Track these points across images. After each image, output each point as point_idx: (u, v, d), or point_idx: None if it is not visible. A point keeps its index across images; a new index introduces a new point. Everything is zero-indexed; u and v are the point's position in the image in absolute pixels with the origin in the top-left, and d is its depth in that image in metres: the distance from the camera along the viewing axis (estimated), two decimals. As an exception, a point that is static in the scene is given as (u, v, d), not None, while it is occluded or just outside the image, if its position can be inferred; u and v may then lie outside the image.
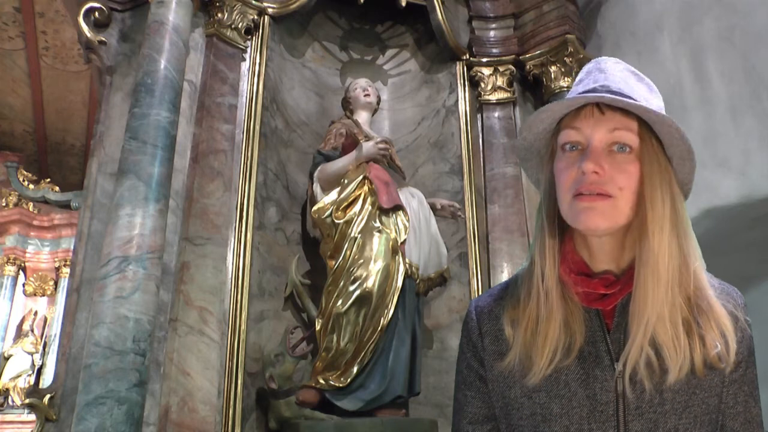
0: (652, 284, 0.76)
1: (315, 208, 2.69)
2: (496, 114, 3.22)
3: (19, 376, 7.67)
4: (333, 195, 2.70)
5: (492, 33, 3.36)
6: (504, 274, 2.84)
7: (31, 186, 8.23)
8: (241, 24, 2.81)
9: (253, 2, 2.87)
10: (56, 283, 8.22)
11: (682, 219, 0.79)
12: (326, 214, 2.66)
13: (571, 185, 0.79)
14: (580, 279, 0.82)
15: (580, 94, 0.82)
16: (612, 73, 0.83)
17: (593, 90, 0.81)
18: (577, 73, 0.93)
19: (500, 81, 3.24)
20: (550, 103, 0.83)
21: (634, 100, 0.79)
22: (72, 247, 5.75)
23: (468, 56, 3.32)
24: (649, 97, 0.82)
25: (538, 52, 3.16)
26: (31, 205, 8.18)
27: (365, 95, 3.07)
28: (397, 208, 2.73)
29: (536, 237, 0.87)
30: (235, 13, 2.78)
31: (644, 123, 0.78)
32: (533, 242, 0.88)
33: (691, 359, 0.77)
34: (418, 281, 2.70)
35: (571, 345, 0.81)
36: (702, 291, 0.80)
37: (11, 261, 7.99)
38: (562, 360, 0.80)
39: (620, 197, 0.77)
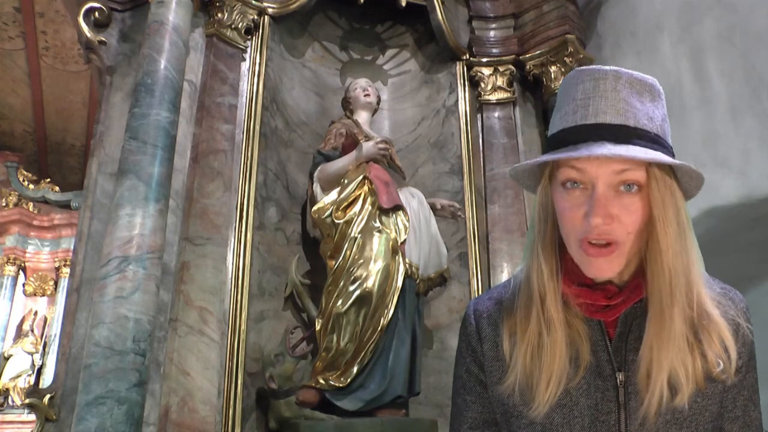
0: (668, 329, 0.75)
1: (315, 208, 2.69)
2: (496, 114, 3.21)
3: (19, 376, 7.67)
4: (333, 195, 2.70)
5: (492, 33, 3.36)
6: (504, 274, 2.84)
7: (31, 186, 8.23)
8: (241, 24, 2.81)
9: (253, 2, 2.87)
10: (56, 283, 8.22)
11: (687, 236, 0.77)
12: (326, 214, 2.66)
13: (578, 230, 0.76)
14: (582, 290, 0.80)
15: (580, 125, 0.76)
16: (615, 97, 0.75)
17: (594, 128, 0.75)
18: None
19: (500, 81, 3.24)
20: (548, 151, 0.79)
21: (640, 129, 0.74)
22: (72, 247, 5.75)
23: (468, 56, 3.32)
24: (653, 110, 0.77)
25: (538, 52, 3.16)
26: (31, 205, 8.18)
27: (365, 95, 3.07)
28: (397, 208, 2.73)
29: (532, 259, 0.83)
30: (235, 13, 2.78)
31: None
32: (527, 257, 0.85)
33: (695, 377, 0.77)
34: (418, 281, 2.70)
35: (578, 365, 0.80)
36: (703, 307, 0.78)
37: (11, 261, 7.99)
38: (567, 385, 0.79)
39: (627, 241, 0.75)
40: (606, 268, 0.76)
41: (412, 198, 2.89)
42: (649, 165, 0.74)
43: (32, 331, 8.00)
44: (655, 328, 0.76)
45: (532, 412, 0.80)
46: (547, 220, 0.82)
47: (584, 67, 0.81)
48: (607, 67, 0.78)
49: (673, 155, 0.77)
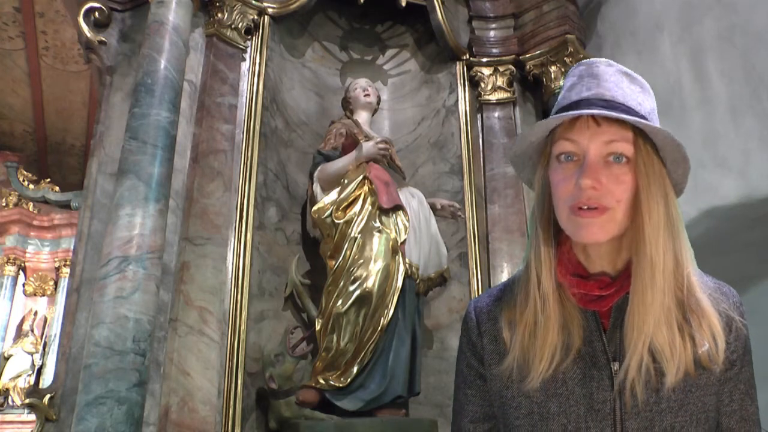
0: (650, 294, 0.77)
1: (315, 208, 2.69)
2: (496, 114, 3.21)
3: (19, 376, 7.67)
4: (333, 195, 2.70)
5: (492, 33, 3.36)
6: (504, 274, 2.84)
7: (31, 186, 8.23)
8: (241, 24, 2.81)
9: (253, 2, 2.87)
10: (56, 283, 8.22)
11: (675, 222, 0.80)
12: (326, 214, 2.66)
13: (568, 198, 0.79)
14: (576, 281, 0.83)
15: (573, 101, 0.81)
16: (605, 78, 0.81)
17: (587, 99, 0.80)
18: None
19: (500, 81, 3.24)
20: (545, 118, 0.84)
21: (628, 107, 0.79)
22: (72, 247, 5.75)
23: (468, 56, 3.32)
24: (642, 99, 0.82)
25: (538, 52, 3.16)
26: (31, 205, 8.18)
27: (365, 95, 3.07)
28: (397, 208, 2.73)
29: (531, 242, 0.87)
30: (235, 13, 2.78)
31: (639, 129, 0.78)
32: (528, 247, 0.88)
33: (684, 359, 0.78)
34: (418, 281, 2.70)
35: (569, 347, 0.82)
36: (692, 291, 0.81)
37: (11, 261, 7.99)
38: (560, 363, 0.81)
39: (617, 209, 0.78)
40: (597, 231, 0.78)
41: (412, 198, 2.88)
42: (636, 139, 0.78)
43: (32, 331, 8.00)
44: (636, 296, 0.78)
45: (526, 386, 0.83)
46: (544, 201, 0.86)
47: (581, 61, 0.87)
48: (600, 59, 0.85)
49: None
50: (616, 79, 0.81)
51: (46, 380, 7.35)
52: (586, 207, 0.77)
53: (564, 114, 0.79)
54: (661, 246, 0.77)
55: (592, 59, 0.85)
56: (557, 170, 0.81)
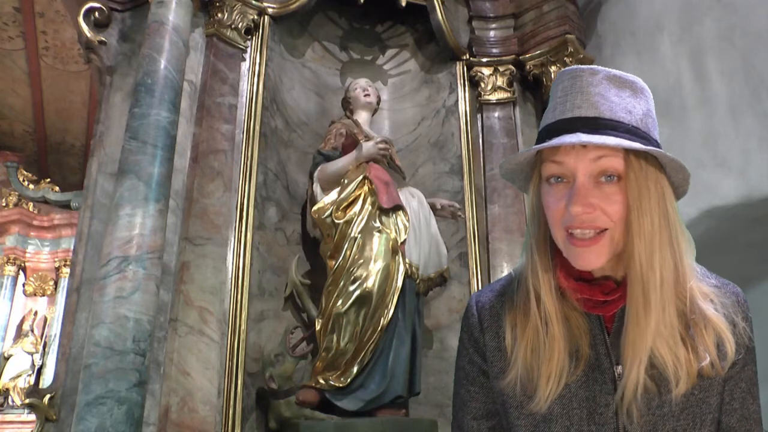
0: (644, 314, 0.75)
1: (315, 208, 2.69)
2: (496, 114, 3.21)
3: (19, 376, 7.67)
4: (333, 195, 2.70)
5: (492, 33, 3.36)
6: (504, 275, 2.83)
7: (31, 186, 8.23)
8: (241, 24, 2.81)
9: (253, 2, 2.87)
10: (56, 283, 8.22)
11: (675, 232, 0.77)
12: (326, 214, 2.66)
13: (561, 220, 0.78)
14: (580, 285, 0.81)
15: (558, 120, 0.79)
16: (590, 92, 0.78)
17: (571, 121, 0.77)
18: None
19: (500, 81, 3.24)
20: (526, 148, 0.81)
21: (616, 120, 0.76)
22: (72, 247, 5.74)
23: (468, 56, 3.32)
24: (633, 104, 0.78)
25: (538, 52, 3.16)
26: (31, 205, 8.18)
27: (365, 95, 3.07)
28: (397, 208, 2.73)
29: (527, 257, 0.85)
30: (235, 13, 2.78)
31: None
32: (523, 259, 0.87)
33: (689, 371, 0.77)
34: (418, 281, 2.70)
35: (578, 358, 0.81)
36: (694, 303, 0.79)
37: (11, 261, 7.99)
38: (569, 378, 0.80)
39: (614, 228, 0.76)
40: (593, 258, 0.77)
41: (412, 198, 2.88)
42: (626, 155, 0.75)
43: (32, 331, 8.00)
44: (632, 317, 0.77)
45: (533, 407, 0.81)
46: (539, 219, 0.84)
47: (566, 68, 0.83)
48: (585, 66, 0.81)
49: (657, 148, 0.78)
50: (603, 89, 0.78)
51: (46, 380, 7.35)
52: (579, 231, 0.76)
53: (545, 144, 0.77)
54: (657, 261, 0.75)
55: (576, 67, 0.81)
56: (548, 192, 0.80)
